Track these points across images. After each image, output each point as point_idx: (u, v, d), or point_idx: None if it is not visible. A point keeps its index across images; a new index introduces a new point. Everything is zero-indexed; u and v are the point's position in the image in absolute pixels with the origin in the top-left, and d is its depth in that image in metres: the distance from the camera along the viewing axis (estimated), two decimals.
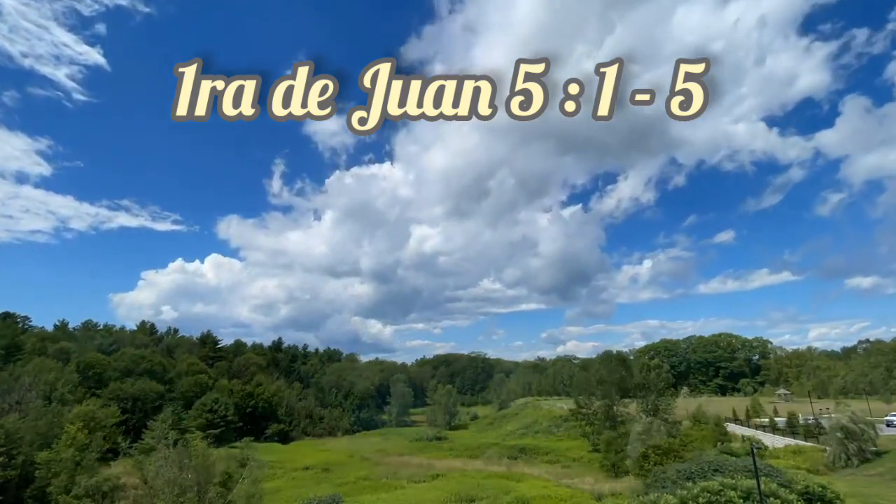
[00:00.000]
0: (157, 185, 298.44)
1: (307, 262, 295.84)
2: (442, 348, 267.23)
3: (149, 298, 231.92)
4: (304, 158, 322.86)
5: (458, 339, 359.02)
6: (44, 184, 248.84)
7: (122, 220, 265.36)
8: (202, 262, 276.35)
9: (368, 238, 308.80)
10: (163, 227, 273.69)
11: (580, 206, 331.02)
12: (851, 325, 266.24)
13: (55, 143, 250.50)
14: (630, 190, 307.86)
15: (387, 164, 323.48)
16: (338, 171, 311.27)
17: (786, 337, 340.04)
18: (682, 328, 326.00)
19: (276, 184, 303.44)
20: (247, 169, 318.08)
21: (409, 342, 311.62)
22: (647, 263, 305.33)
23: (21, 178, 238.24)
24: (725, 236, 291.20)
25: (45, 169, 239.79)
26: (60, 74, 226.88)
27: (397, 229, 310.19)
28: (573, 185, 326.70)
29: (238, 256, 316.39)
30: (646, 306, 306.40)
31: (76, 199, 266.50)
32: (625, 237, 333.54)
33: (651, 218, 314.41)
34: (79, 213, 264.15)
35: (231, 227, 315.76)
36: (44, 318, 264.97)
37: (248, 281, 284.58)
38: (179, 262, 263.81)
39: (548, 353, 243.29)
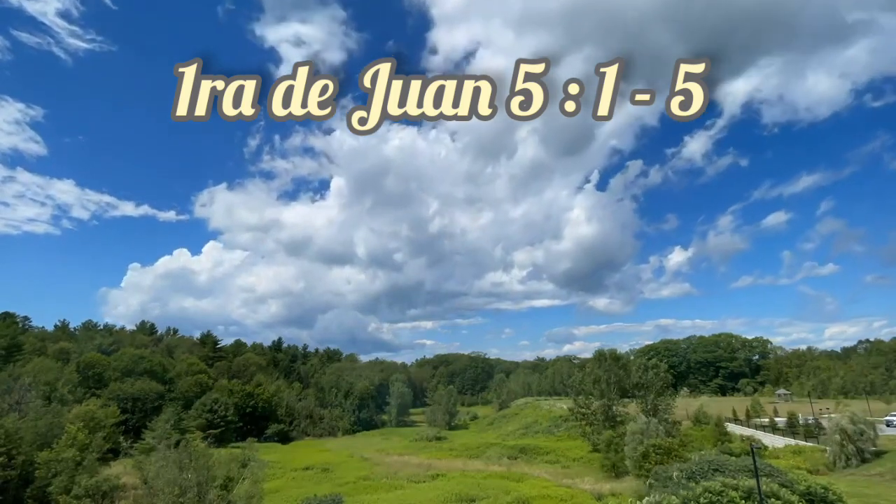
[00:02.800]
0: (160, 169, 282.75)
1: (302, 248, 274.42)
2: (446, 348, 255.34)
3: (137, 293, 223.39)
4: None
5: (463, 338, 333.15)
6: (40, 165, 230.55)
7: (128, 209, 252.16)
8: (194, 253, 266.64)
9: (369, 216, 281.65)
10: (166, 216, 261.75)
11: (616, 176, 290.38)
12: (871, 322, 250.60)
13: (50, 113, 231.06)
14: (685, 158, 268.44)
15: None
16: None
17: (801, 335, 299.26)
18: (701, 327, 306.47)
19: (256, 148, 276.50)
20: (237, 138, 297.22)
21: (414, 341, 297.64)
22: (679, 253, 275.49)
23: (15, 159, 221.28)
24: (777, 219, 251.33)
25: (40, 147, 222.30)
26: (50, 11, 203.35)
27: (405, 203, 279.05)
28: (613, 146, 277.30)
29: (235, 245, 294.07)
30: (668, 303, 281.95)
31: (77, 185, 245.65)
32: (657, 219, 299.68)
33: (694, 196, 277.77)
34: (81, 201, 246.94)
35: (216, 200, 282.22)
36: (40, 312, 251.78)
37: (243, 274, 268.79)
38: (170, 255, 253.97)
39: (555, 353, 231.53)
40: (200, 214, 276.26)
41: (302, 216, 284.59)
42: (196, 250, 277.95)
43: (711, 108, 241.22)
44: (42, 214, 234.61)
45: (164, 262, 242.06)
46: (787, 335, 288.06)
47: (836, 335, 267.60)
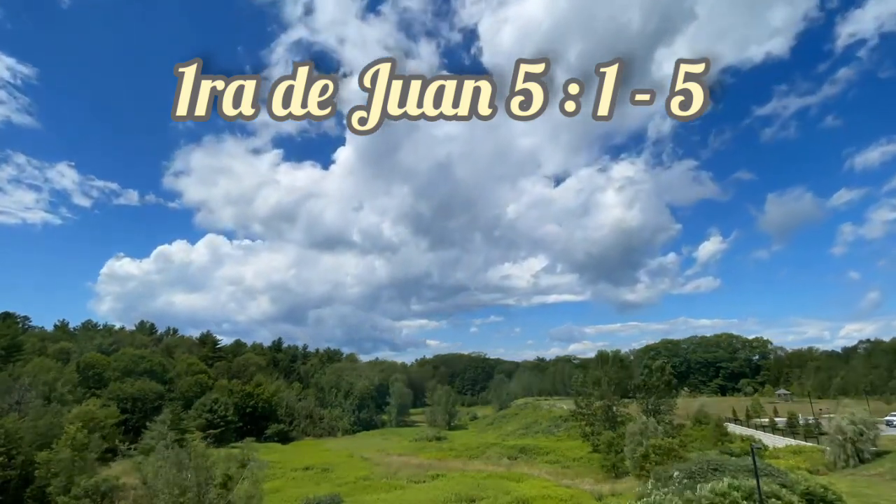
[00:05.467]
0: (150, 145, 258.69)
1: (300, 230, 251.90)
2: (449, 348, 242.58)
3: (115, 288, 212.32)
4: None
5: (470, 336, 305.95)
6: (34, 143, 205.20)
7: (132, 197, 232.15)
8: (192, 244, 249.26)
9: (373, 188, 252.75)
10: (173, 205, 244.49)
11: (661, 143, 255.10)
12: (892, 320, 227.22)
13: (44, 73, 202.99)
14: (750, 124, 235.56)
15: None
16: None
17: (815, 333, 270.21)
18: (714, 327, 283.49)
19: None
20: None
21: (421, 339, 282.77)
22: (714, 241, 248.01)
23: (7, 136, 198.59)
24: (843, 197, 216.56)
25: (34, 121, 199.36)
26: None
27: (413, 171, 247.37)
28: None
29: (215, 222, 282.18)
30: (691, 299, 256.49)
31: (75, 169, 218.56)
32: (700, 198, 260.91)
33: (747, 171, 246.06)
34: (82, 187, 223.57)
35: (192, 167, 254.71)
36: (33, 306, 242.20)
37: (238, 266, 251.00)
38: (168, 245, 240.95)
39: (561, 352, 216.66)
40: (169, 186, 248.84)
41: (297, 186, 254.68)
42: (193, 241, 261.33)
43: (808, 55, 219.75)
44: (38, 202, 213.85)
45: (138, 256, 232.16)
46: (801, 334, 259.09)
47: (851, 334, 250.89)
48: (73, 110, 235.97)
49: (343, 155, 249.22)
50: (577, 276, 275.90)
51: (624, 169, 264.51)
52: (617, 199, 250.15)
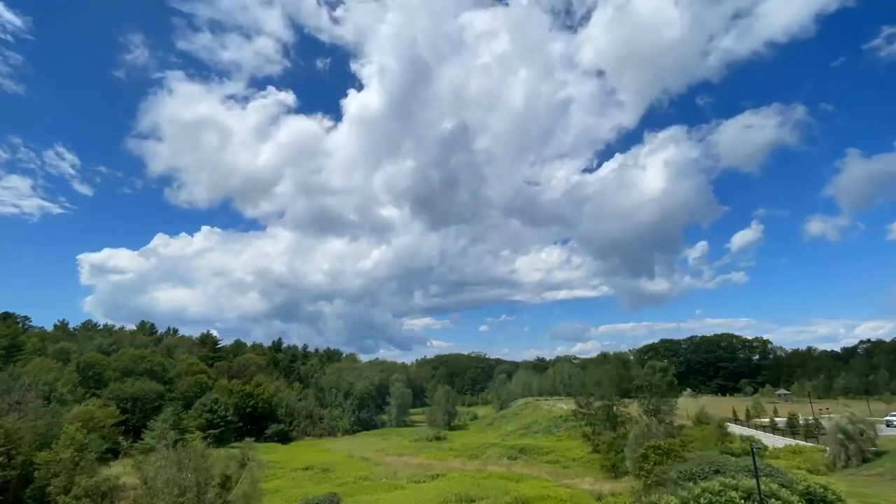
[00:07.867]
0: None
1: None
2: (451, 348, 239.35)
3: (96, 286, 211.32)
4: None
5: (478, 334, 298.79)
6: (26, 120, 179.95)
7: (138, 185, 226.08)
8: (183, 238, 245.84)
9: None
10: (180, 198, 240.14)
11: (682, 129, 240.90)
12: None
13: (38, 25, 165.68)
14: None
15: None
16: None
17: (836, 331, 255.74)
18: (730, 325, 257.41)
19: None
20: None
21: (427, 339, 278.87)
22: (755, 230, 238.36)
23: None
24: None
25: (26, 91, 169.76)
26: None
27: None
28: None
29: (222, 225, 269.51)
30: (714, 296, 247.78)
31: (72, 150, 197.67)
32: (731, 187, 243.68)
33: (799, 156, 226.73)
34: (81, 172, 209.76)
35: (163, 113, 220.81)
36: (35, 306, 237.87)
37: (236, 261, 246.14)
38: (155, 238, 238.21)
39: (565, 352, 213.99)
40: (134, 150, 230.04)
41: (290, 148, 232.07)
42: (187, 231, 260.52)
43: None
44: (35, 188, 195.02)
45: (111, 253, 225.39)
46: (812, 332, 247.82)
47: (866, 332, 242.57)
48: (71, 77, 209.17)
49: (351, 106, 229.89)
50: (599, 263, 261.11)
51: (670, 136, 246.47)
52: (654, 178, 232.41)
